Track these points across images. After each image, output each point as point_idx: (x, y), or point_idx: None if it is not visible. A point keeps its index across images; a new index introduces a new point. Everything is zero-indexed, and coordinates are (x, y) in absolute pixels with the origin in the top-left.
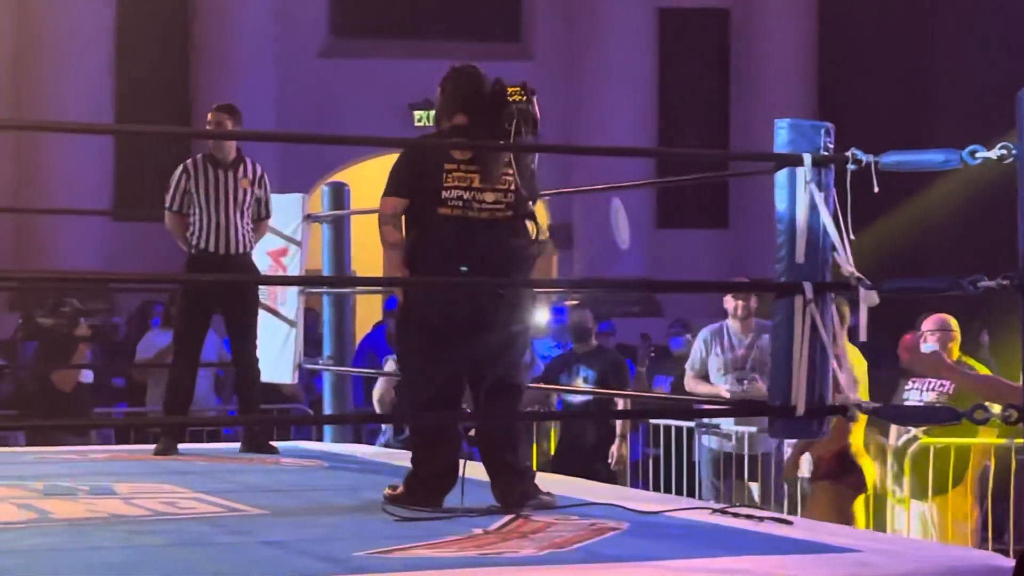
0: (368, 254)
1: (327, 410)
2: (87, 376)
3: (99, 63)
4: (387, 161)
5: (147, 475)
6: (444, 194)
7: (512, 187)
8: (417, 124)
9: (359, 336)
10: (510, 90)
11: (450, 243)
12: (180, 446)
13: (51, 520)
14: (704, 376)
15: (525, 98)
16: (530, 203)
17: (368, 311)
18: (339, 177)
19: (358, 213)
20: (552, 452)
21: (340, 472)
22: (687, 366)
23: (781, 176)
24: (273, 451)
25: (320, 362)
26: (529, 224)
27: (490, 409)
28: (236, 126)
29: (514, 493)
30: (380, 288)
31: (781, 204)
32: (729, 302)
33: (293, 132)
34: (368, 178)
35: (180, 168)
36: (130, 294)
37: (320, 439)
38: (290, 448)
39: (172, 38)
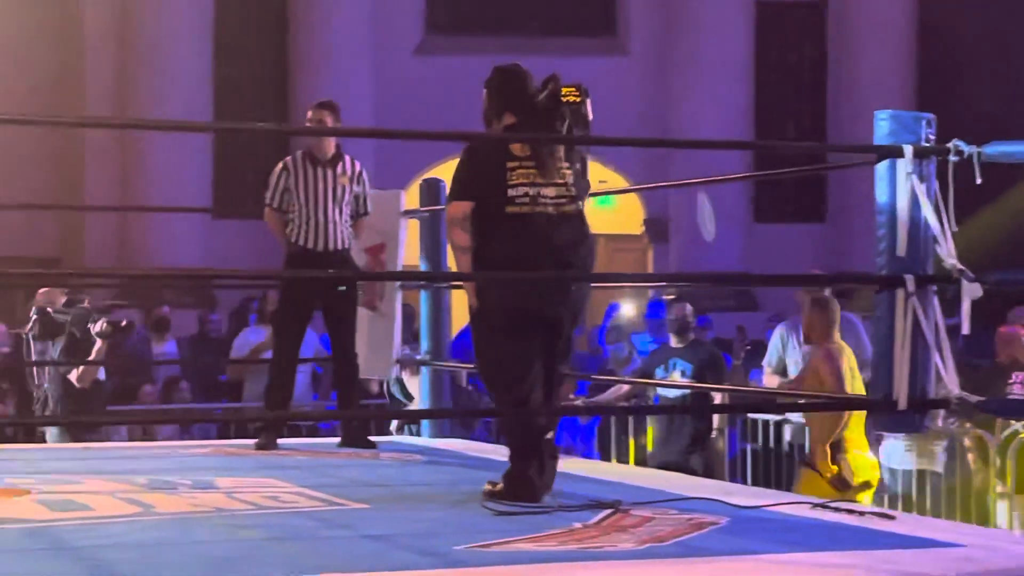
0: None
1: (424, 405)
2: (101, 374)
3: (199, 63)
4: None
5: (248, 470)
6: (510, 192)
7: (571, 181)
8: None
9: (455, 331)
10: (564, 90)
11: (522, 240)
12: (280, 441)
13: (155, 514)
14: (782, 372)
15: (579, 98)
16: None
17: (464, 306)
18: (435, 173)
19: None
20: (649, 446)
21: (438, 467)
22: (764, 363)
23: (882, 168)
24: (371, 446)
25: (417, 357)
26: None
27: (551, 399)
28: (335, 123)
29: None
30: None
31: (882, 196)
32: (803, 297)
33: (390, 128)
34: None
35: (280, 165)
36: (230, 291)
37: (418, 434)
38: (388, 443)
39: (271, 38)
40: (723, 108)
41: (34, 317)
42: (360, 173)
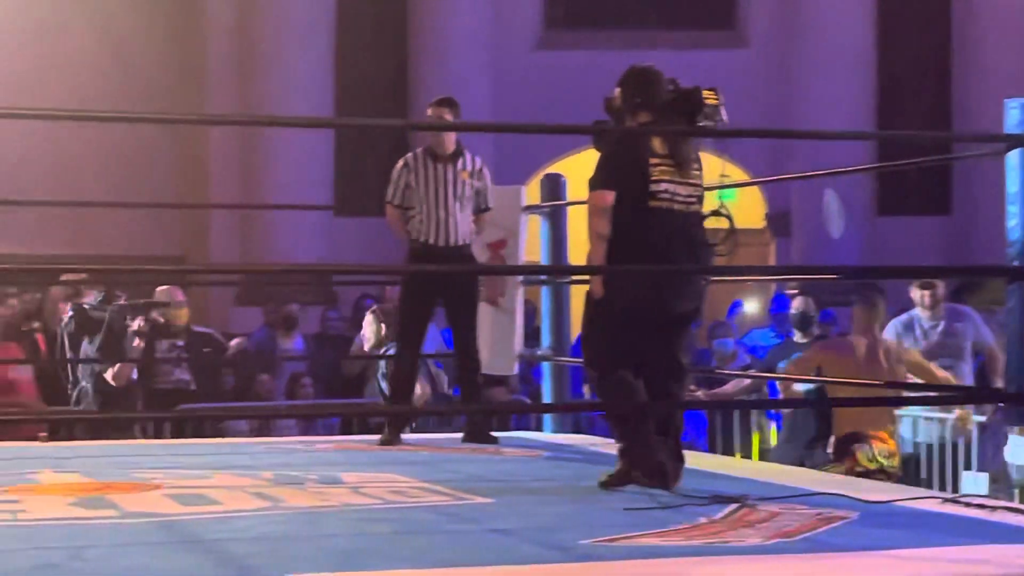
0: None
1: (546, 400)
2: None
3: (320, 61)
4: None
5: (373, 465)
6: (652, 187)
7: (699, 182)
8: None
9: (576, 327)
10: (705, 93)
11: (661, 234)
12: (403, 436)
13: (283, 508)
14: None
15: (716, 101)
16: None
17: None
18: (555, 168)
19: (575, 204)
20: (774, 442)
21: (561, 462)
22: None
23: (1012, 157)
24: (494, 441)
25: (539, 353)
26: (720, 219)
27: (669, 393)
28: (455, 119)
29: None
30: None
31: (1012, 186)
32: (915, 292)
33: (509, 123)
34: (583, 169)
35: (401, 162)
36: (351, 288)
37: (539, 429)
38: (510, 438)
39: (390, 35)
40: (845, 99)
41: (70, 313)
42: (481, 169)
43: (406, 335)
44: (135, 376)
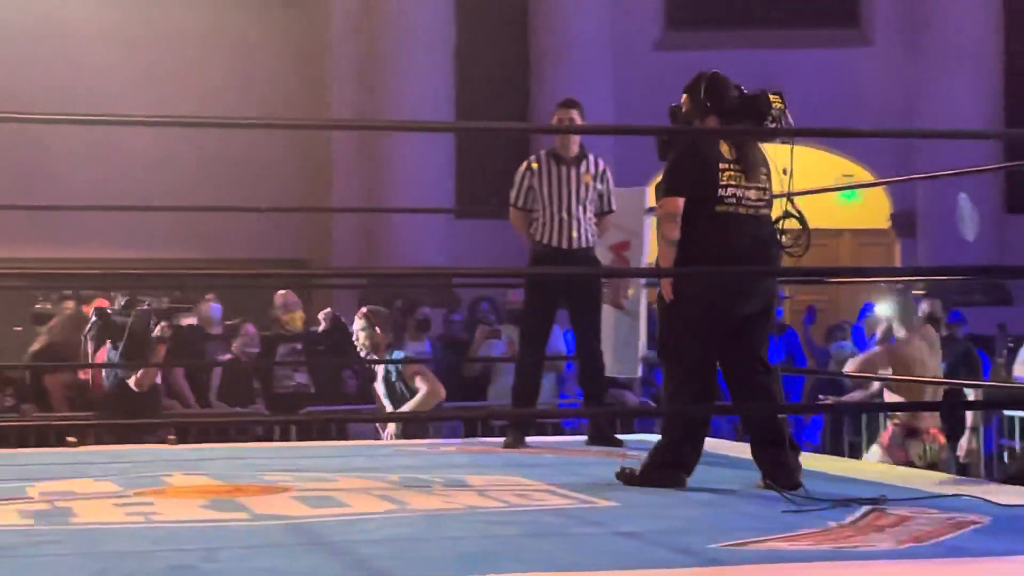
0: None
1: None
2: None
3: (441, 64)
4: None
5: (497, 468)
6: (721, 192)
7: (767, 185)
8: None
9: None
10: (771, 97)
11: (729, 237)
12: (527, 439)
13: (409, 511)
14: None
15: (783, 105)
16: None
17: None
18: None
19: None
20: None
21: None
22: (1019, 361)
23: None
24: (618, 443)
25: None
26: (792, 220)
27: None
28: (581, 122)
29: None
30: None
31: None
32: None
33: (630, 125)
34: None
35: (524, 165)
36: (473, 290)
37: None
38: (635, 441)
39: (511, 38)
40: (971, 97)
41: (93, 318)
42: (604, 171)
43: (530, 337)
44: (159, 380)
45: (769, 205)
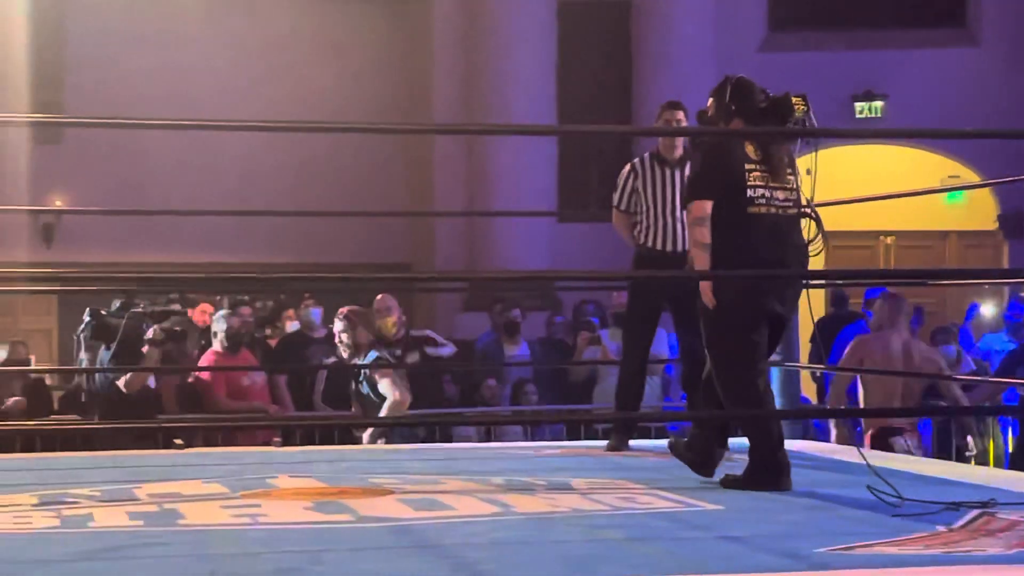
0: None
1: (776, 406)
2: (152, 381)
3: (543, 69)
4: (829, 154)
5: (601, 471)
6: (750, 193)
7: (794, 186)
8: (859, 116)
9: (805, 332)
10: (794, 100)
11: (762, 239)
12: (631, 443)
13: (514, 514)
14: None
15: (807, 107)
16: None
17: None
18: None
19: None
20: (1012, 449)
21: (794, 469)
22: None
23: None
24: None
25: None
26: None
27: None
28: (686, 123)
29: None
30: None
31: None
32: None
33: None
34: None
35: (627, 167)
36: (575, 293)
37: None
38: (740, 445)
39: (614, 40)
40: None
41: (87, 319)
42: None
43: (633, 340)
44: (152, 384)
45: (796, 205)
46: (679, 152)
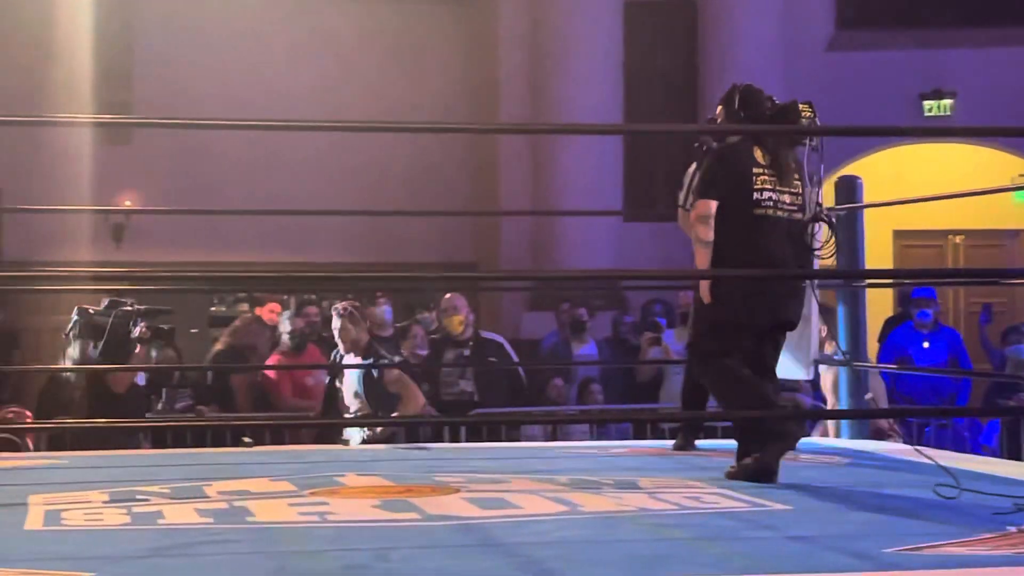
0: (879, 247)
1: (842, 406)
2: (141, 378)
3: (608, 67)
4: (897, 153)
5: (668, 470)
6: (756, 195)
7: (800, 191)
8: (927, 115)
9: (874, 331)
10: (800, 107)
11: (767, 241)
12: (697, 442)
13: (581, 513)
14: None
15: (813, 114)
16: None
17: (878, 306)
18: (848, 170)
19: (871, 206)
20: None
21: (861, 469)
22: None
23: None
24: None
25: (836, 358)
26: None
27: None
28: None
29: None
30: (893, 281)
31: None
32: None
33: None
34: (878, 170)
35: (693, 166)
36: (642, 292)
37: (836, 435)
38: (807, 444)
39: (679, 38)
40: None
41: (75, 318)
42: None
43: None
44: (141, 382)
45: (802, 210)
46: None
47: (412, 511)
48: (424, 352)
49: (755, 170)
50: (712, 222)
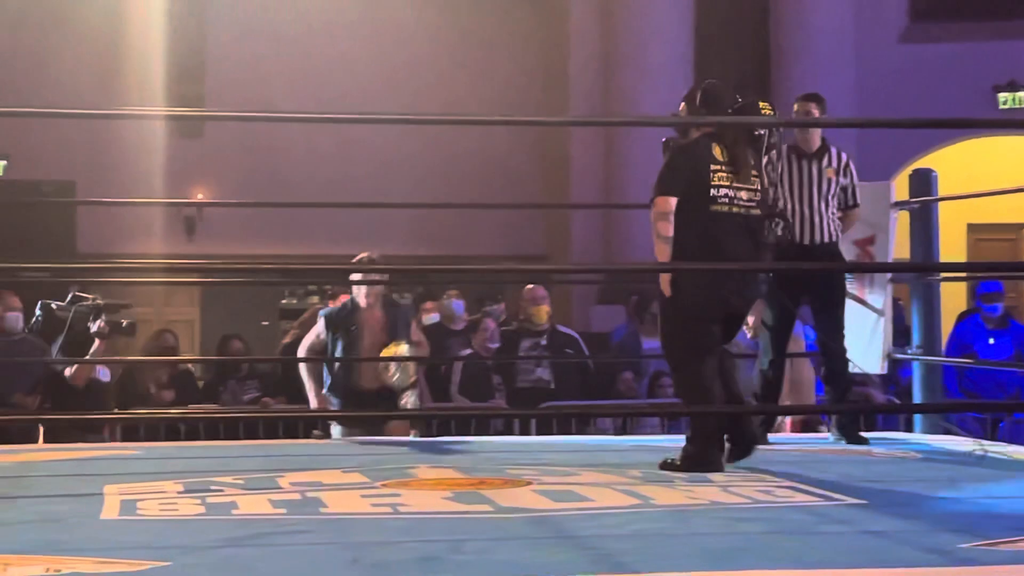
0: (953, 241)
1: (916, 400)
2: (103, 373)
3: (680, 58)
4: (972, 145)
5: (740, 464)
6: (713, 192)
7: (758, 187)
8: (1002, 107)
9: (947, 325)
10: (761, 105)
11: (722, 236)
12: (770, 436)
13: (653, 506)
14: None
15: (772, 113)
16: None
17: (952, 300)
18: (923, 163)
19: (946, 199)
20: None
21: (934, 463)
22: None
23: None
24: (863, 441)
25: (909, 352)
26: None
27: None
28: (822, 115)
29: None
30: (965, 275)
31: None
32: None
33: (873, 118)
34: (952, 163)
35: (765, 160)
36: None
37: (909, 430)
38: (881, 439)
39: (751, 30)
40: None
41: (38, 313)
42: (847, 165)
43: (771, 334)
44: (104, 377)
45: (759, 206)
46: (816, 144)
47: (484, 503)
48: (495, 345)
49: (712, 167)
50: (672, 218)
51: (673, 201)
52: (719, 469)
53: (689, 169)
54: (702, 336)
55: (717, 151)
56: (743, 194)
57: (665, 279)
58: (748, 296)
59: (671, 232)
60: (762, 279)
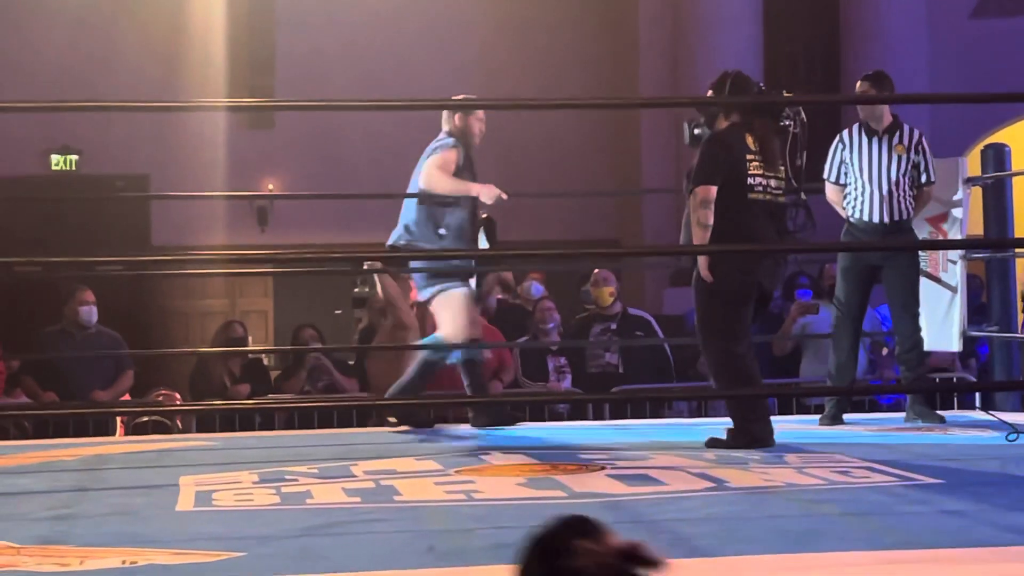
0: None
1: (995, 378)
2: None
3: (750, 40)
4: None
5: (815, 445)
6: (749, 180)
7: (784, 175)
8: None
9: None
10: (785, 95)
11: (754, 222)
12: (844, 416)
13: (728, 489)
14: None
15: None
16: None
17: None
18: (995, 138)
19: (1021, 174)
20: None
21: (1012, 442)
22: None
23: None
24: (940, 420)
25: (985, 329)
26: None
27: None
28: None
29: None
30: None
31: None
32: None
33: (944, 92)
34: None
35: (836, 139)
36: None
37: (986, 407)
38: (958, 417)
39: (822, 10)
40: None
41: None
42: (919, 141)
43: (844, 313)
44: None
45: (785, 194)
46: (887, 121)
47: (558, 489)
48: (550, 326)
49: (748, 156)
50: (712, 206)
51: (714, 190)
52: (770, 445)
53: (728, 159)
54: (741, 319)
55: (750, 140)
56: (772, 182)
57: (705, 264)
58: (776, 279)
59: (711, 220)
60: (790, 262)
